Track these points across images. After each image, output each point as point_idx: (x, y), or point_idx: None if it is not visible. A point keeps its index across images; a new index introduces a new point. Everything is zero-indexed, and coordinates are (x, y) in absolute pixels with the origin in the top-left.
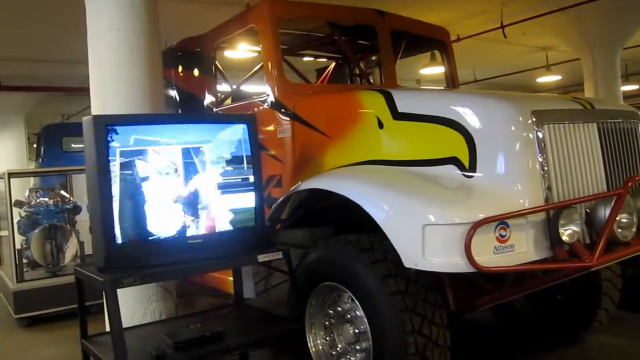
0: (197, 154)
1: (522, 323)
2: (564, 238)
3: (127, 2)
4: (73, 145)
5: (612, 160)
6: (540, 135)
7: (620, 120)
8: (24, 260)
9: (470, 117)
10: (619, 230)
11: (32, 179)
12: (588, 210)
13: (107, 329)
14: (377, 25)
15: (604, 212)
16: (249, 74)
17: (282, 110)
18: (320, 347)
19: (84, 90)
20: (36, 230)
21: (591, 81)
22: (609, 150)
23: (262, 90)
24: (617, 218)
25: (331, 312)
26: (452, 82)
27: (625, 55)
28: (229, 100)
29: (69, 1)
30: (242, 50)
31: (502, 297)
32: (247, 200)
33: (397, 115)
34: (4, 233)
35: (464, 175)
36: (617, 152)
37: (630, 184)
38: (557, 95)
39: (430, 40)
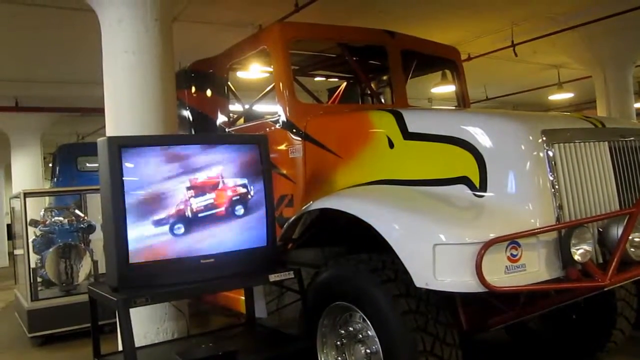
0: (210, 174)
1: (535, 343)
2: (576, 257)
3: (141, 25)
4: (88, 165)
5: (624, 178)
6: (550, 154)
7: (632, 138)
8: (39, 279)
9: (480, 137)
10: (632, 249)
11: (47, 198)
12: (600, 229)
13: (120, 348)
14: (388, 46)
15: (617, 231)
16: (261, 95)
17: (294, 130)
18: None
19: (99, 111)
20: (51, 249)
21: (603, 99)
22: (621, 168)
23: (274, 111)
24: (630, 237)
25: (343, 331)
26: (463, 100)
27: (638, 73)
28: (241, 121)
29: (85, 24)
30: (254, 71)
31: (514, 316)
32: (259, 219)
33: (408, 135)
34: (19, 252)
35: (474, 194)
36: (630, 171)
37: None
38: (567, 114)
39: (440, 60)
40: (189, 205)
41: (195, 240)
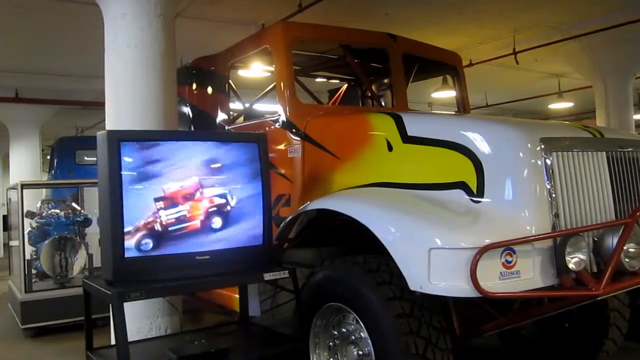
0: (208, 171)
1: (527, 350)
2: (571, 266)
3: (144, 20)
4: (86, 159)
5: (621, 189)
6: (548, 162)
7: (630, 149)
8: (33, 271)
9: (479, 143)
10: (627, 259)
11: (44, 190)
12: (595, 239)
13: (113, 342)
14: (390, 49)
15: (612, 241)
16: (262, 94)
17: (293, 130)
18: None
19: (99, 105)
20: (46, 242)
21: (603, 109)
22: (618, 179)
23: (274, 110)
24: (625, 247)
25: (336, 332)
26: (463, 106)
27: (638, 84)
28: (241, 119)
29: (87, 17)
30: (255, 70)
31: (507, 323)
32: (256, 218)
33: (407, 139)
34: (15, 243)
35: (471, 200)
36: (627, 181)
37: (638, 213)
38: (566, 123)
39: (441, 65)
40: (185, 201)
41: (191, 237)
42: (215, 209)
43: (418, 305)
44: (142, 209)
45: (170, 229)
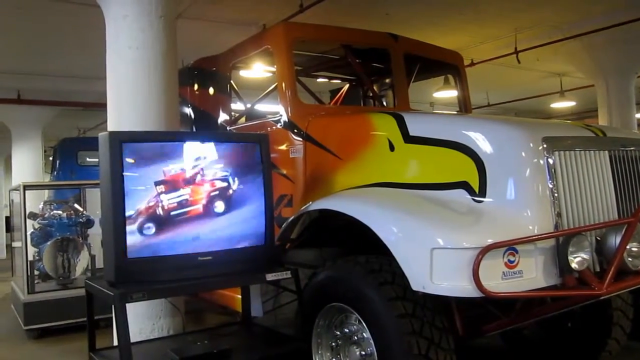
0: (210, 171)
1: (530, 350)
2: (573, 265)
3: (146, 21)
4: (88, 160)
5: (623, 188)
6: (550, 161)
7: (632, 148)
8: (36, 272)
9: (481, 142)
10: (630, 259)
11: (46, 191)
12: (598, 238)
13: (115, 343)
14: (391, 49)
15: (615, 240)
16: (263, 94)
17: (295, 130)
18: None
19: (101, 106)
20: (49, 243)
21: (605, 108)
22: (620, 178)
23: (275, 110)
24: (628, 247)
25: (338, 333)
26: (464, 106)
27: None
28: (242, 119)
29: (88, 18)
30: (257, 70)
31: (510, 323)
32: (258, 218)
33: (409, 139)
34: (17, 244)
35: (473, 200)
36: (629, 180)
37: None
38: (568, 122)
39: (443, 65)
40: (187, 202)
41: (193, 238)
42: (216, 208)
43: (420, 305)
44: (143, 209)
45: (171, 228)
